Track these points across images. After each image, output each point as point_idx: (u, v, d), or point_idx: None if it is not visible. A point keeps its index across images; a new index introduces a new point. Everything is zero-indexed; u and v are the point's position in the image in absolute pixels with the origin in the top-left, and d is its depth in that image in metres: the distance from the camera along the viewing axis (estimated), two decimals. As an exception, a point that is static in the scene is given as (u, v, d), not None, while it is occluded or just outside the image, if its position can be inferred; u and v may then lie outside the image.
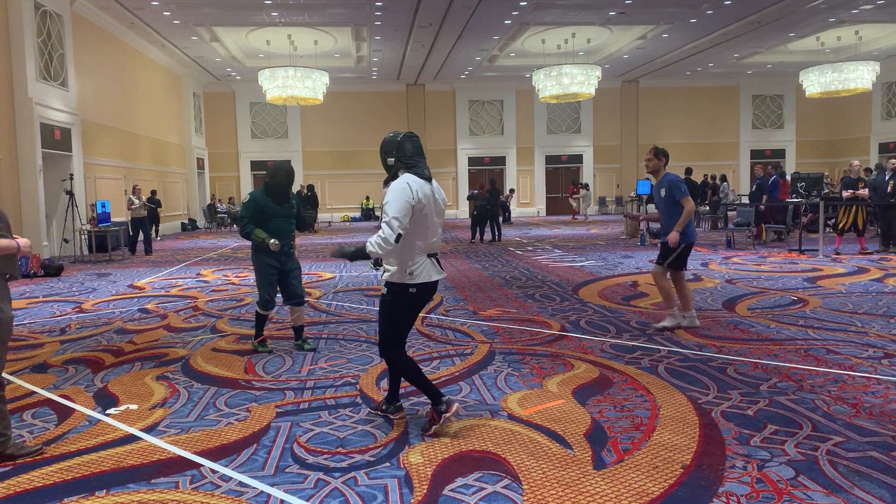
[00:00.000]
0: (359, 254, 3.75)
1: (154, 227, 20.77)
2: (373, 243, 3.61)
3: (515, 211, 29.03)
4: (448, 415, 3.71)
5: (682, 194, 6.17)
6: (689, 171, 16.49)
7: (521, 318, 7.07)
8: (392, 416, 4.04)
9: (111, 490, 3.17)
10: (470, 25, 19.73)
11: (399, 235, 3.59)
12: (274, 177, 5.67)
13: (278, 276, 5.78)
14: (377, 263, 4.06)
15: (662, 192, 6.28)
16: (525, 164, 30.72)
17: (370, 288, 9.58)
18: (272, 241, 5.55)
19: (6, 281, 3.58)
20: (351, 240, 18.87)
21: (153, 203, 19.89)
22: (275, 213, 5.66)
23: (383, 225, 3.61)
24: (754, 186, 15.04)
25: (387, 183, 3.85)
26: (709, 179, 20.26)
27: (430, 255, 3.81)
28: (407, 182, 3.68)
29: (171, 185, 23.60)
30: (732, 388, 4.44)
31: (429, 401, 3.84)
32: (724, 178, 21.55)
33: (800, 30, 21.27)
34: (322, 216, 27.63)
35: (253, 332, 6.67)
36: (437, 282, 3.86)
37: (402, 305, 3.80)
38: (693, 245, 6.33)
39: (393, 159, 3.81)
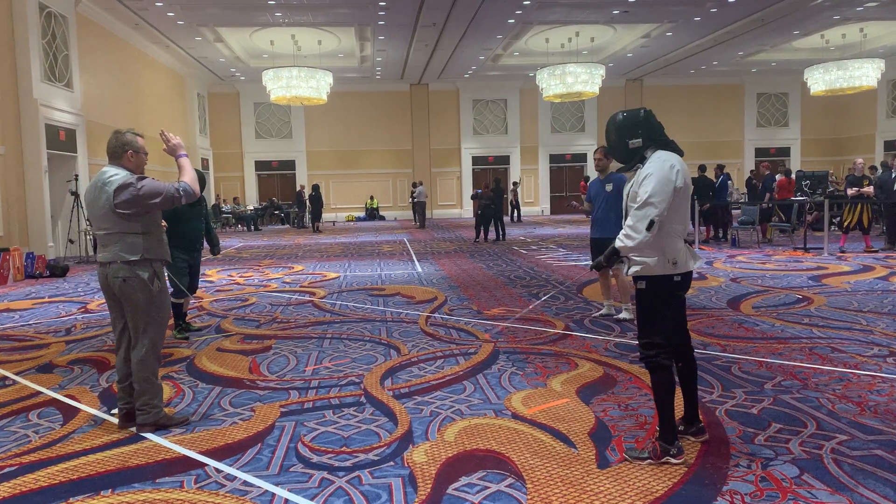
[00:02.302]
0: (612, 256, 3.42)
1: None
2: (622, 238, 3.27)
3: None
4: (674, 461, 3.24)
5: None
6: (703, 167, 16.38)
7: (525, 317, 7.07)
8: (675, 460, 3.25)
9: (117, 489, 3.19)
10: (473, 25, 19.72)
11: (652, 223, 3.16)
12: None
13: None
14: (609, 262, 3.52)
15: (609, 188, 6.70)
16: (529, 163, 30.68)
17: (374, 288, 9.59)
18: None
19: (163, 265, 4.00)
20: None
21: None
22: (189, 216, 6.25)
23: (634, 213, 3.23)
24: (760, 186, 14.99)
25: (627, 168, 3.46)
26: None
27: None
28: (671, 163, 3.25)
29: (175, 186, 23.65)
30: (737, 387, 4.44)
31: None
32: (728, 177, 21.38)
33: (804, 27, 21.20)
34: (327, 216, 27.65)
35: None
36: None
37: (665, 297, 3.31)
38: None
39: (639, 140, 3.34)
